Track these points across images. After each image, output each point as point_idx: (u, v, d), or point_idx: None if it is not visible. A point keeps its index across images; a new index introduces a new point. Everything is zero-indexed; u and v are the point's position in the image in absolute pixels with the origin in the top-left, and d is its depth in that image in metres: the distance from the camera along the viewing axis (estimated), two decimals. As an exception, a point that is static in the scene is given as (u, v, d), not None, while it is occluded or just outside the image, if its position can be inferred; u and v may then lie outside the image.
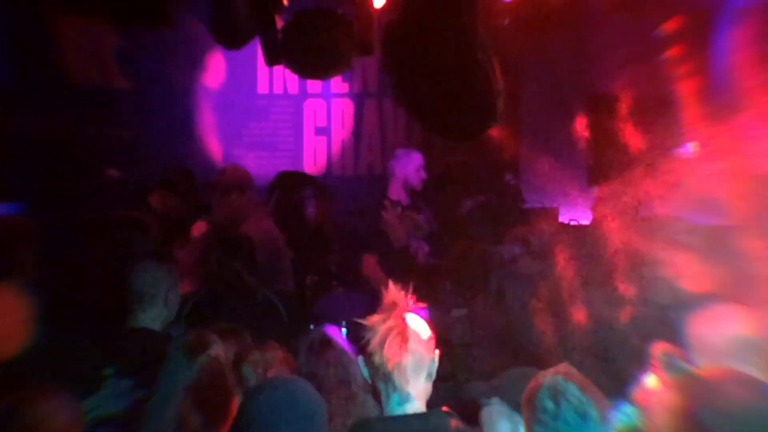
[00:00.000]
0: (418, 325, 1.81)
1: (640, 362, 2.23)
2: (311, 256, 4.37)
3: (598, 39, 4.66)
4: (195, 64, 5.84)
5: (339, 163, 6.27)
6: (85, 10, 4.36)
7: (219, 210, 4.12)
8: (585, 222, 4.36)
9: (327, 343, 2.35)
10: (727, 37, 3.73)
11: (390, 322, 1.76)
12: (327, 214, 4.79)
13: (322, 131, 6.26)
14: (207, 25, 4.06)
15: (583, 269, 3.33)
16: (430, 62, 3.19)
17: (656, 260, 2.96)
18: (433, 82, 3.21)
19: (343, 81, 6.17)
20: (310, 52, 3.75)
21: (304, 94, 6.20)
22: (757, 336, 2.13)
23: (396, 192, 4.69)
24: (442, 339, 1.92)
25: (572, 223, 4.49)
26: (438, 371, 1.84)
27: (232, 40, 4.06)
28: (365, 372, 1.83)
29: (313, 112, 6.24)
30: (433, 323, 1.87)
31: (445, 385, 2.47)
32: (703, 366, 2.13)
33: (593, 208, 4.08)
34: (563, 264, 3.05)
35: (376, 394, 1.85)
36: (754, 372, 1.96)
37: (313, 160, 6.25)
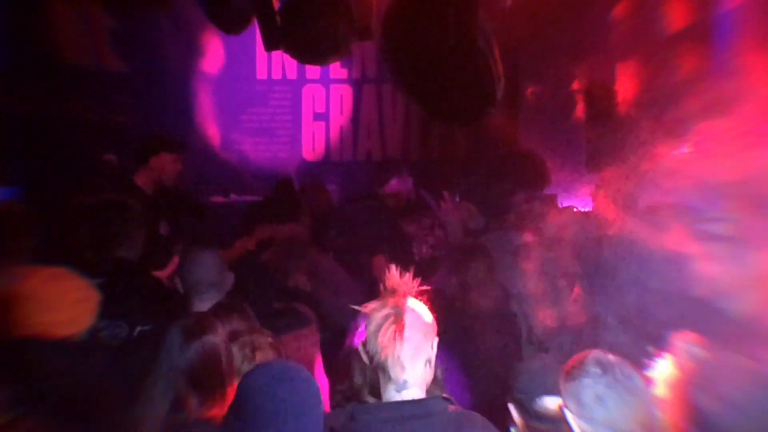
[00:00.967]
0: (419, 311, 1.79)
1: (640, 349, 2.24)
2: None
3: (600, 25, 4.64)
4: (193, 48, 5.81)
5: (337, 149, 6.26)
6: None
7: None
8: (584, 209, 4.36)
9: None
10: (731, 24, 3.71)
11: (386, 310, 1.75)
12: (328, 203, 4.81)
13: (321, 117, 6.24)
14: (204, 9, 4.03)
15: (584, 255, 3.35)
16: (429, 47, 3.18)
17: (655, 247, 2.96)
18: (432, 67, 3.20)
19: (342, 66, 6.15)
20: (309, 38, 3.72)
21: (302, 80, 6.18)
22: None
23: (398, 186, 4.63)
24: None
25: (573, 209, 4.49)
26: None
27: (230, 24, 4.04)
28: (364, 357, 1.83)
29: (312, 97, 6.22)
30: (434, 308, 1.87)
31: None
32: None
33: (592, 195, 4.08)
34: (570, 250, 3.06)
35: (373, 379, 1.85)
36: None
37: (312, 145, 6.24)
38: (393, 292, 1.79)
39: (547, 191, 4.58)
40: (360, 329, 1.82)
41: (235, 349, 2.20)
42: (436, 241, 4.22)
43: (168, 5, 3.80)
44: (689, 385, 1.73)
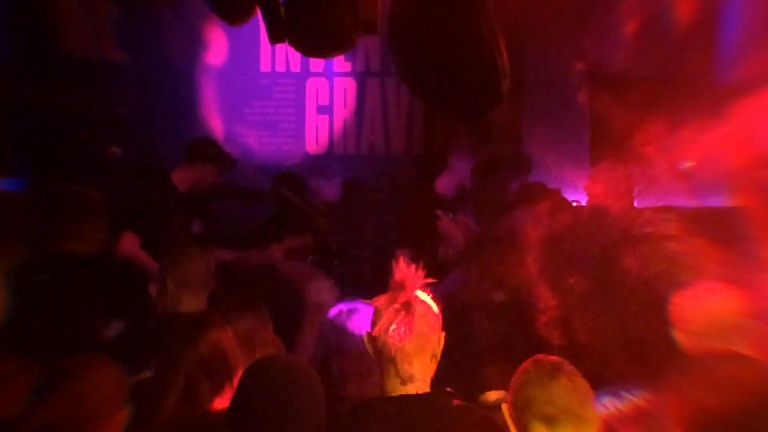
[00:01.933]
0: (427, 305, 1.80)
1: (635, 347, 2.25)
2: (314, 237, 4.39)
3: (604, 18, 4.62)
4: (196, 40, 5.79)
5: (341, 142, 6.24)
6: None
7: None
8: (586, 203, 4.36)
9: (353, 314, 2.36)
10: (735, 17, 3.69)
11: (396, 305, 1.75)
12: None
13: (325, 110, 6.23)
14: (208, 0, 4.02)
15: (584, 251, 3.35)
16: (434, 41, 3.17)
17: (651, 241, 2.97)
18: (437, 62, 3.19)
19: (346, 60, 6.13)
20: (313, 31, 3.71)
21: (306, 73, 6.16)
22: (740, 316, 2.15)
23: (445, 186, 4.56)
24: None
25: (575, 204, 4.49)
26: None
27: (234, 15, 4.02)
28: (369, 350, 1.83)
29: (316, 90, 6.21)
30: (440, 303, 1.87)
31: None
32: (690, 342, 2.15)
33: (587, 190, 4.09)
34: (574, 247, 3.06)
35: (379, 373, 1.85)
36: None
37: (315, 139, 6.23)
38: (402, 285, 1.79)
39: (551, 186, 4.57)
40: (368, 322, 1.82)
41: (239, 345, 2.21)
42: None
43: (172, -4, 3.80)
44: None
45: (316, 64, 6.11)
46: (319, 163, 5.73)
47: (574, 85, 5.17)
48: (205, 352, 2.01)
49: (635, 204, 3.84)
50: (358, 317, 2.35)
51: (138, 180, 4.24)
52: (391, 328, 1.71)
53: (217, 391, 2.00)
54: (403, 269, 1.80)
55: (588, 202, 4.15)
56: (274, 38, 3.90)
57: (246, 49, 5.96)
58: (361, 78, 6.22)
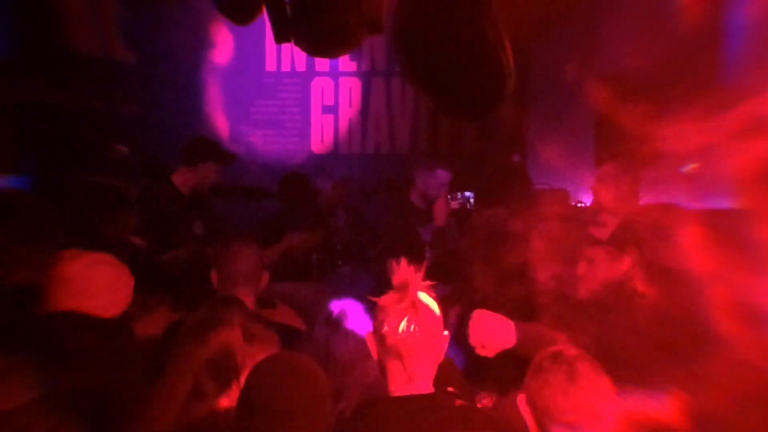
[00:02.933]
0: (430, 305, 1.80)
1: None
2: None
3: (610, 18, 4.61)
4: (202, 39, 5.81)
5: (346, 142, 6.26)
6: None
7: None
8: (590, 203, 4.34)
9: (344, 316, 2.36)
10: (742, 18, 3.67)
11: (404, 303, 1.75)
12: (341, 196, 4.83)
13: (330, 109, 6.24)
14: (213, -1, 4.03)
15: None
16: (439, 40, 3.16)
17: (656, 244, 2.95)
18: (442, 61, 3.18)
19: (351, 59, 6.15)
20: (319, 30, 3.71)
21: (311, 72, 6.18)
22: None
23: (416, 200, 4.62)
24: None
25: (579, 205, 4.49)
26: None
27: (239, 15, 4.02)
28: (372, 349, 1.83)
29: (321, 90, 6.22)
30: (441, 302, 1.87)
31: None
32: None
33: (592, 191, 4.08)
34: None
35: (382, 372, 1.85)
36: None
37: (321, 138, 6.24)
38: (405, 286, 1.79)
39: (557, 186, 4.57)
40: (372, 321, 1.82)
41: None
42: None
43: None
44: None
45: (322, 63, 6.12)
46: (324, 163, 5.75)
47: (579, 85, 5.16)
48: (214, 350, 2.02)
49: (640, 204, 3.83)
50: (352, 317, 2.36)
51: (144, 180, 4.25)
52: (402, 327, 1.71)
53: (224, 389, 2.01)
54: (405, 270, 1.80)
55: (593, 202, 4.14)
56: (280, 38, 3.90)
57: (252, 48, 5.98)
58: (366, 77, 6.23)
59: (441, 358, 1.82)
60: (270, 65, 6.11)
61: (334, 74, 6.20)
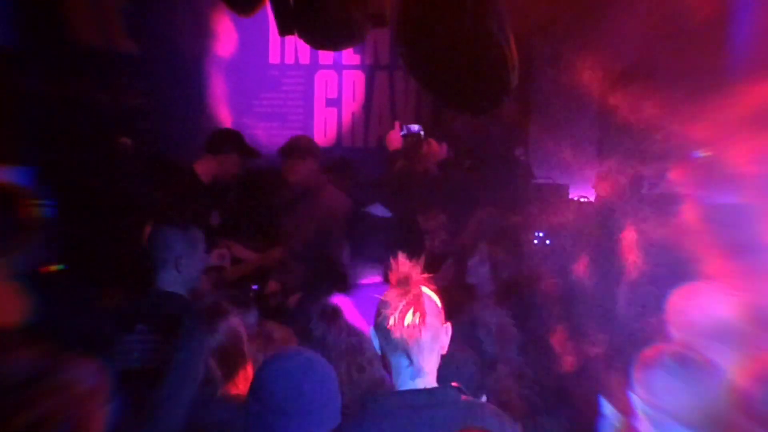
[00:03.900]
0: (431, 299, 1.81)
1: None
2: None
3: (617, 13, 4.59)
4: (205, 31, 5.80)
5: (349, 135, 6.25)
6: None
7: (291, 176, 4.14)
8: (593, 199, 4.35)
9: (338, 311, 2.38)
10: (748, 10, 3.66)
11: (408, 297, 1.75)
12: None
13: (333, 103, 6.24)
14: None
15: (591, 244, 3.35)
16: (443, 34, 3.16)
17: (656, 238, 2.95)
18: (446, 55, 3.18)
19: (355, 53, 6.13)
20: (323, 23, 3.71)
21: (315, 65, 6.17)
22: (735, 317, 2.13)
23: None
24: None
25: (582, 200, 4.49)
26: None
27: (243, 5, 4.02)
28: (376, 344, 1.83)
29: (324, 83, 6.21)
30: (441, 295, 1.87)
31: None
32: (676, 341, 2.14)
33: (594, 186, 4.08)
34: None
35: (385, 367, 1.86)
36: (727, 351, 1.97)
37: (324, 131, 6.24)
38: (407, 280, 1.79)
39: (558, 181, 4.57)
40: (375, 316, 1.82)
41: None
42: (447, 236, 4.24)
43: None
44: None
45: (325, 56, 6.11)
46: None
47: (582, 80, 5.14)
48: (223, 338, 2.05)
49: (643, 200, 3.83)
50: (348, 312, 2.37)
51: (157, 172, 4.24)
52: (407, 321, 1.71)
53: (230, 376, 2.04)
54: (405, 264, 1.80)
55: (596, 198, 4.15)
56: (284, 30, 3.90)
57: (255, 40, 5.97)
58: (370, 71, 6.22)
59: (444, 350, 1.83)
60: (273, 58, 6.11)
61: (338, 67, 6.19)
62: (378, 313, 1.79)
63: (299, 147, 4.17)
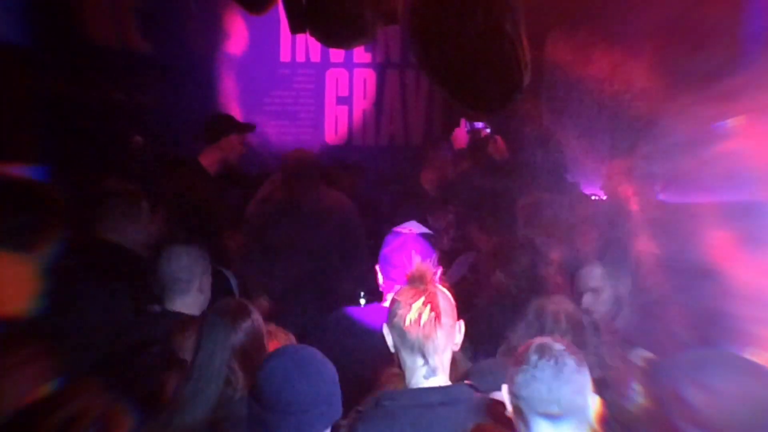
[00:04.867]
0: (446, 297, 1.81)
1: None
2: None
3: (629, 11, 4.57)
4: (217, 29, 5.82)
5: (360, 133, 6.26)
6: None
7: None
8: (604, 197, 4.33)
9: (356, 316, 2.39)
10: (760, 4, 3.63)
11: (424, 298, 1.76)
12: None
13: (344, 100, 6.24)
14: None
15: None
16: (455, 32, 3.15)
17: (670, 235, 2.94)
18: (458, 52, 3.17)
19: (366, 51, 6.13)
20: (334, 21, 3.71)
21: (326, 63, 6.17)
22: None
23: (427, 180, 4.66)
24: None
25: (593, 197, 4.46)
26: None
27: (254, 4, 4.03)
28: (389, 341, 1.84)
29: (335, 81, 6.21)
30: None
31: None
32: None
33: (605, 183, 4.06)
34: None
35: (399, 364, 1.86)
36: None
37: (335, 129, 6.25)
38: (422, 278, 1.80)
39: (570, 179, 4.55)
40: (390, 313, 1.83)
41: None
42: (456, 235, 4.24)
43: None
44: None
45: (336, 54, 6.11)
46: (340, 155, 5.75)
47: (594, 77, 5.12)
48: (245, 337, 2.05)
49: (658, 198, 3.81)
50: (365, 317, 2.37)
51: (178, 170, 4.23)
52: (423, 319, 1.71)
53: (250, 376, 2.05)
54: (419, 262, 1.81)
55: (606, 196, 4.13)
56: (295, 28, 3.90)
57: (266, 38, 5.98)
58: (381, 69, 6.22)
59: (457, 347, 1.83)
60: (284, 56, 6.11)
61: (349, 65, 6.19)
62: (393, 312, 1.79)
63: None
